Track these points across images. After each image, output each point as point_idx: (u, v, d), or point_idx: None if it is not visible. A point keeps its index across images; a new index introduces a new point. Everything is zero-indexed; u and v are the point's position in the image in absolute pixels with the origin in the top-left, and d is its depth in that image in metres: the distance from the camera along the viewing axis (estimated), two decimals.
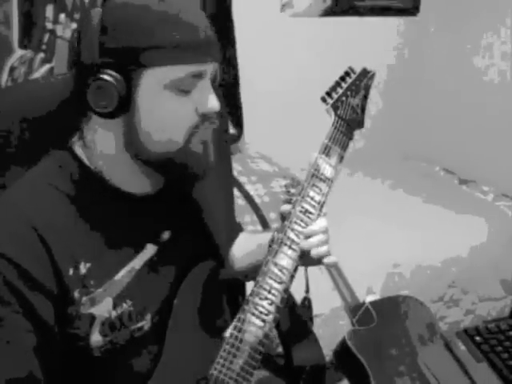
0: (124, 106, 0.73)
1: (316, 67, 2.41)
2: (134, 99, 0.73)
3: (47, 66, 2.06)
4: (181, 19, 0.73)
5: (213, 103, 0.77)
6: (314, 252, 0.86)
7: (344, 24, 2.58)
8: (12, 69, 2.00)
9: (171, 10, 0.73)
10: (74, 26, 2.07)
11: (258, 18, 2.27)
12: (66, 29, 2.06)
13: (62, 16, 2.04)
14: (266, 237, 0.96)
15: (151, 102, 0.74)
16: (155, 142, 0.76)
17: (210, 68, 0.77)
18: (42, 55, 2.04)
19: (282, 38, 2.39)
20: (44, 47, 2.03)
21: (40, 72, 2.04)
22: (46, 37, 2.03)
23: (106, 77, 0.71)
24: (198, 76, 0.76)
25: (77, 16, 2.06)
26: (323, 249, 0.87)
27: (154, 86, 0.73)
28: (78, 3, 2.05)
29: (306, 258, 0.87)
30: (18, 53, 2.00)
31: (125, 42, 0.72)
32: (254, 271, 0.98)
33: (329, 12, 2.57)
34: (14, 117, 0.89)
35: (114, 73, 0.71)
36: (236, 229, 1.09)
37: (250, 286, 1.17)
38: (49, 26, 2.02)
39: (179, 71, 0.73)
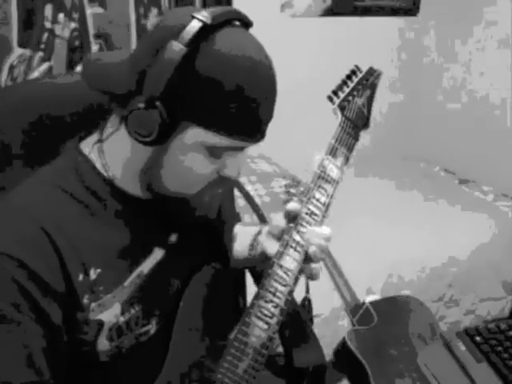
0: (158, 143, 0.71)
1: (315, 67, 2.41)
2: (169, 143, 0.71)
3: (46, 65, 2.06)
4: (259, 104, 0.71)
5: (237, 173, 0.77)
6: (311, 250, 0.85)
7: (344, 24, 2.58)
8: (11, 67, 2.00)
9: (261, 89, 0.70)
10: (73, 25, 2.07)
11: (257, 18, 2.27)
12: (64, 28, 2.06)
13: (61, 15, 2.04)
14: (253, 230, 0.96)
15: (181, 154, 0.72)
16: (171, 186, 0.76)
17: (253, 145, 0.75)
18: (40, 54, 2.04)
19: (281, 38, 2.39)
20: (43, 46, 2.03)
21: (39, 71, 2.04)
22: (45, 36, 2.03)
23: (156, 114, 0.67)
24: (239, 150, 0.75)
25: (75, 16, 2.06)
26: (321, 254, 0.86)
27: (192, 141, 0.71)
28: (77, 3, 2.05)
29: (307, 268, 0.87)
30: (17, 52, 1.99)
31: (194, 98, 0.68)
32: (248, 263, 0.97)
33: (329, 12, 2.56)
34: (16, 116, 0.89)
35: (165, 113, 0.68)
36: (236, 219, 1.09)
37: (249, 285, 1.16)
38: (47, 25, 2.02)
39: (225, 141, 0.71)
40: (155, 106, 0.67)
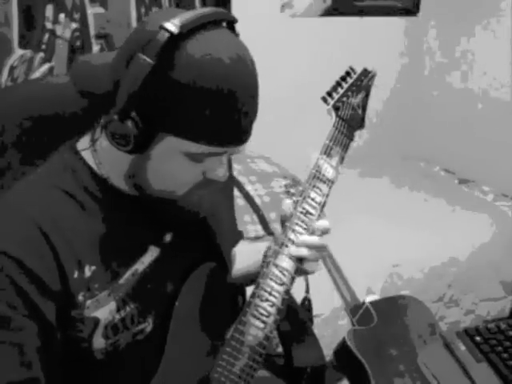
0: (137, 152, 0.71)
1: (315, 67, 2.41)
2: (148, 151, 0.72)
3: (47, 66, 2.06)
4: (238, 109, 0.70)
5: (222, 175, 0.77)
6: (308, 267, 0.86)
7: (344, 24, 2.58)
8: (12, 68, 2.00)
9: (239, 91, 0.69)
10: (74, 25, 2.07)
11: (257, 18, 2.27)
12: (65, 29, 2.06)
13: (62, 16, 2.04)
14: (262, 246, 0.96)
15: (162, 161, 0.73)
16: (157, 187, 0.76)
17: (236, 150, 0.75)
18: (41, 55, 2.04)
19: (281, 38, 2.39)
20: (44, 47, 2.03)
21: (40, 72, 2.04)
22: (46, 36, 2.03)
23: (131, 125, 0.68)
24: (221, 154, 0.74)
25: (76, 16, 2.06)
26: (314, 254, 0.86)
27: (171, 149, 0.71)
28: (78, 3, 2.05)
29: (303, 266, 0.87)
30: (18, 52, 2.00)
31: (168, 109, 0.68)
32: (250, 279, 0.98)
33: (329, 12, 2.57)
34: (15, 116, 0.89)
35: (141, 124, 0.68)
36: (236, 236, 1.08)
37: (249, 287, 1.17)
38: (48, 25, 2.02)
39: (204, 148, 0.71)
40: (129, 117, 0.68)
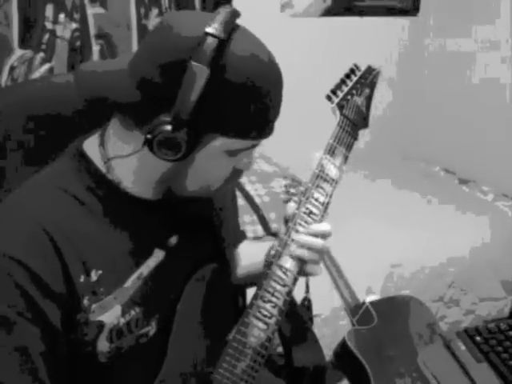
0: (183, 159, 0.72)
1: (315, 67, 2.41)
2: (193, 155, 0.72)
3: (47, 66, 2.06)
4: (273, 107, 0.74)
5: (250, 166, 0.80)
6: (308, 269, 0.87)
7: (344, 24, 2.58)
8: (12, 68, 2.00)
9: (275, 87, 0.74)
10: (74, 25, 2.07)
11: (257, 19, 2.27)
12: (65, 29, 2.06)
13: (62, 16, 2.04)
14: (266, 246, 0.96)
15: (206, 161, 0.74)
16: (193, 188, 0.78)
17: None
18: (41, 55, 2.04)
19: (281, 38, 2.39)
20: (44, 47, 2.03)
21: (40, 72, 2.04)
22: (46, 37, 2.03)
23: (183, 133, 0.68)
24: (256, 147, 0.78)
25: (76, 16, 2.06)
26: (312, 254, 0.86)
27: (216, 149, 0.73)
28: (78, 3, 2.05)
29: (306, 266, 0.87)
30: (18, 52, 2.00)
31: (218, 111, 0.69)
32: (254, 279, 0.98)
33: (329, 12, 2.57)
34: (16, 116, 0.89)
35: (191, 131, 0.69)
36: (240, 236, 1.08)
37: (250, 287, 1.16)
38: (48, 25, 2.02)
39: (245, 144, 0.74)
40: (180, 128, 0.68)
